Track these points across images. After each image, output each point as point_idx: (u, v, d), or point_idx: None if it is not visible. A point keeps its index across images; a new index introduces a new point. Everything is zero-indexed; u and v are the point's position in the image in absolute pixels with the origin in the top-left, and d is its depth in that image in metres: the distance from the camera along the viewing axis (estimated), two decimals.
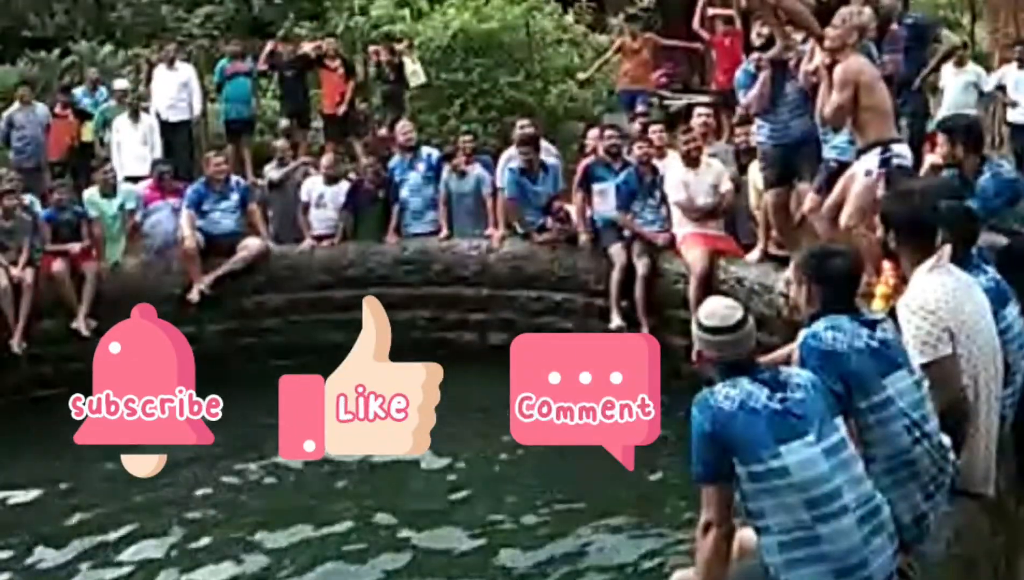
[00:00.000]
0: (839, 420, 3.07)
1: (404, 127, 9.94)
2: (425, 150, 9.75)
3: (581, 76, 13.00)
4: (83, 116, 11.33)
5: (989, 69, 11.23)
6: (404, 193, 9.44)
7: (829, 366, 3.21)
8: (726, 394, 2.98)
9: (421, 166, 9.48)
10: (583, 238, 8.56)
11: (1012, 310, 4.25)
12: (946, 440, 3.43)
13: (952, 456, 3.46)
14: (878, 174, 5.50)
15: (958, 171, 5.21)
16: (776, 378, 3.05)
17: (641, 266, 8.00)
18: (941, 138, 5.65)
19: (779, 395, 2.99)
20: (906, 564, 3.20)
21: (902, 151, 5.65)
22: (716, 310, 3.11)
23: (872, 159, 5.57)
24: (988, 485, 3.79)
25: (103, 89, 11.97)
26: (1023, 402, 4.26)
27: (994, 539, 3.91)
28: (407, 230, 9.41)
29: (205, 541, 6.06)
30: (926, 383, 3.43)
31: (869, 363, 3.25)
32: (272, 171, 10.07)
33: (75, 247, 8.77)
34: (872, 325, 3.35)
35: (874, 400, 3.25)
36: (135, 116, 10.72)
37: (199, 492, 6.72)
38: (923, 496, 3.34)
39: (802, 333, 3.40)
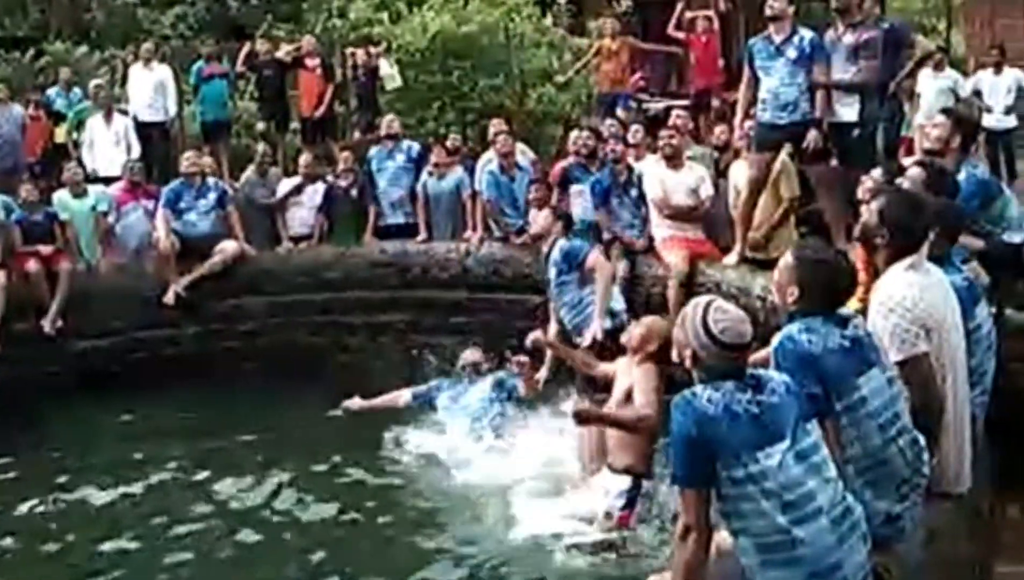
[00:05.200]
0: (812, 424, 3.06)
1: (389, 118, 10.01)
2: (406, 142, 9.78)
3: (560, 79, 13.02)
4: (57, 117, 11.22)
5: (965, 74, 11.32)
6: (382, 183, 9.47)
7: (806, 369, 3.20)
8: (709, 397, 2.96)
9: (400, 157, 9.52)
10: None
11: (982, 310, 4.28)
12: (921, 439, 3.43)
13: (927, 456, 3.47)
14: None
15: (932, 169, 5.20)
16: (757, 380, 3.03)
17: (620, 269, 7.99)
18: (943, 120, 5.64)
19: (758, 398, 2.98)
20: (883, 567, 3.20)
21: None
22: (733, 325, 3.00)
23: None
24: (959, 485, 3.80)
25: (77, 90, 11.86)
26: (995, 402, 4.29)
27: (970, 541, 3.93)
28: (383, 221, 9.43)
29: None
30: (899, 381, 3.43)
31: (844, 363, 3.26)
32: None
33: (45, 249, 8.67)
34: (844, 323, 3.35)
35: (848, 401, 3.26)
36: (108, 116, 10.61)
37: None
38: (897, 497, 3.35)
39: (776, 337, 3.39)
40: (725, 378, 2.99)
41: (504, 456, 6.60)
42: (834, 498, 2.98)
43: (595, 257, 7.04)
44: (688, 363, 3.07)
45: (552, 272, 7.21)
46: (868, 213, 3.92)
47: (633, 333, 5.55)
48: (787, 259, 3.46)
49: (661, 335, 5.33)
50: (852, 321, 3.39)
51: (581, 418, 5.20)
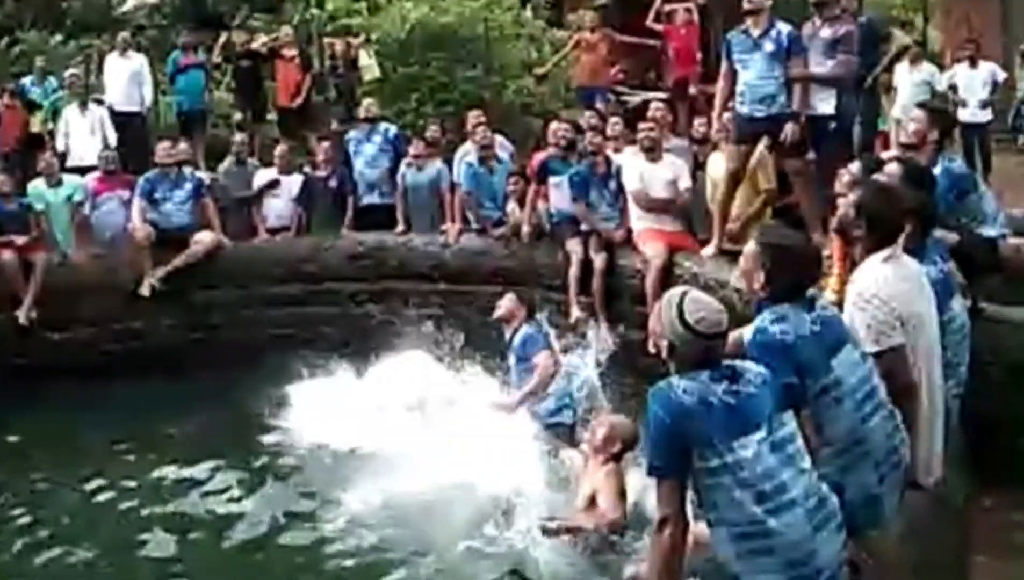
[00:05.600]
0: (788, 415, 3.08)
1: (367, 102, 10.05)
2: (383, 125, 9.81)
3: (539, 71, 13.02)
4: (31, 106, 11.11)
5: (941, 68, 11.39)
6: (359, 165, 9.51)
7: (781, 359, 3.21)
8: (685, 388, 2.97)
9: (377, 139, 9.56)
10: (525, 230, 8.56)
11: (957, 303, 4.33)
12: (897, 415, 3.47)
13: (904, 435, 3.50)
14: None
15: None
16: (733, 370, 3.04)
17: (598, 261, 8.00)
18: (920, 114, 5.67)
19: (734, 388, 2.99)
20: (860, 558, 3.22)
21: None
22: (708, 315, 3.01)
23: None
24: (929, 475, 3.83)
25: (52, 79, 11.74)
26: (972, 395, 4.33)
27: (946, 533, 3.96)
28: (360, 201, 9.49)
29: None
30: (861, 327, 3.46)
31: (817, 347, 3.28)
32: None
33: (20, 239, 8.60)
34: (811, 305, 3.36)
35: (825, 381, 3.28)
36: (84, 106, 10.53)
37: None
38: (876, 478, 3.37)
39: (748, 330, 3.40)
40: (701, 368, 3.00)
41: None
42: (808, 489, 2.99)
43: (542, 358, 6.91)
44: (665, 354, 3.07)
45: (512, 359, 7.13)
46: (845, 206, 3.94)
47: (596, 432, 5.44)
48: (751, 245, 3.47)
49: (624, 437, 5.31)
50: (818, 302, 3.41)
51: (549, 532, 5.12)
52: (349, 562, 5.57)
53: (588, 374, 7.02)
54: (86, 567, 5.70)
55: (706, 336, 2.99)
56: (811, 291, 3.43)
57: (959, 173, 5.57)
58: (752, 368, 3.10)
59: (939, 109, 5.84)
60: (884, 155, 6.26)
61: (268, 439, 7.20)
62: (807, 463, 3.04)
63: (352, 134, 9.79)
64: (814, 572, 2.95)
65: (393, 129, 9.82)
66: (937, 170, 5.23)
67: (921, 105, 6.06)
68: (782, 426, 3.02)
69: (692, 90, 11.75)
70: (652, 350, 3.16)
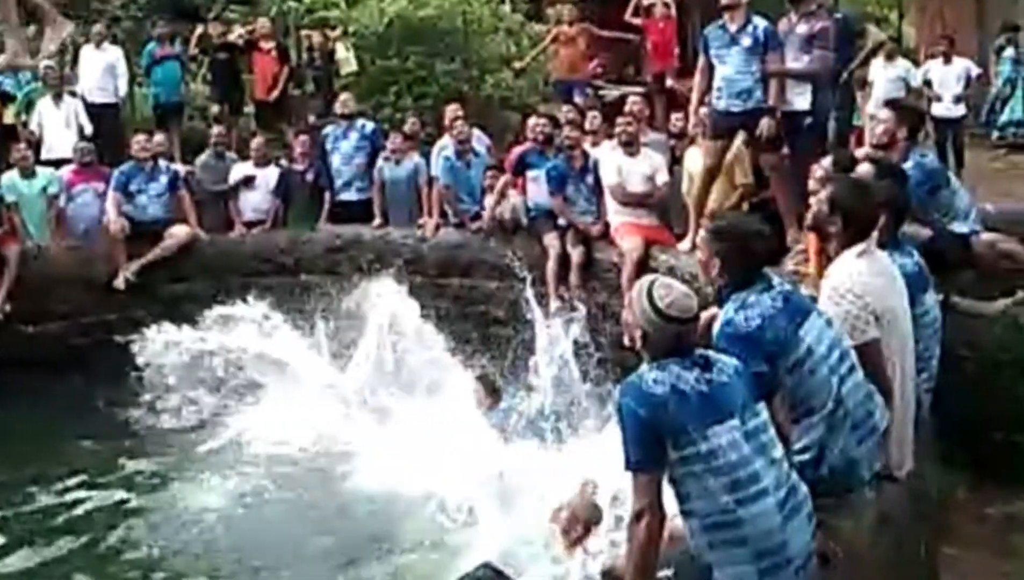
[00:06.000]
0: (761, 405, 3.10)
1: (344, 97, 9.97)
2: (360, 121, 9.78)
3: (517, 65, 13.00)
4: (4, 98, 10.99)
5: (916, 64, 11.46)
6: (336, 161, 9.47)
7: (751, 348, 3.25)
8: (655, 378, 2.98)
9: (354, 135, 9.51)
10: (487, 216, 8.58)
11: (930, 297, 4.37)
12: (871, 386, 3.55)
13: (879, 399, 3.55)
14: None
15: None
16: (706, 359, 3.06)
17: (576, 254, 8.01)
18: (887, 114, 5.71)
19: (707, 377, 3.00)
20: (830, 549, 3.24)
21: None
22: (678, 299, 3.03)
23: None
24: (901, 468, 3.86)
25: (26, 70, 11.62)
26: (946, 390, 4.37)
27: (917, 526, 4.00)
28: (338, 197, 9.44)
29: None
30: (836, 322, 3.50)
31: (783, 321, 3.32)
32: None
33: None
34: (770, 284, 3.41)
35: (796, 356, 3.32)
36: (58, 98, 10.44)
37: None
38: (855, 440, 3.44)
39: (718, 321, 3.43)
40: (673, 355, 3.01)
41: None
42: (779, 479, 3.01)
43: None
44: (639, 344, 3.09)
45: None
46: (818, 202, 3.97)
47: (559, 517, 5.38)
48: (703, 234, 3.52)
49: (586, 519, 5.27)
50: (772, 279, 3.45)
51: None
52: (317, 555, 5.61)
53: (567, 369, 7.05)
54: (59, 562, 5.68)
55: (678, 320, 3.01)
56: (766, 273, 3.48)
57: (931, 168, 5.61)
58: (724, 358, 3.12)
59: (906, 107, 5.88)
60: (858, 153, 6.30)
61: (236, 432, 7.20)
62: (779, 453, 3.07)
63: (329, 130, 9.75)
64: (784, 562, 2.97)
65: (370, 125, 9.80)
66: (909, 165, 5.27)
67: (889, 103, 6.10)
68: (755, 415, 3.04)
69: (669, 83, 11.78)
70: (628, 343, 3.18)
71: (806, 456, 3.41)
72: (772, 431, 3.08)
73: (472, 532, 5.57)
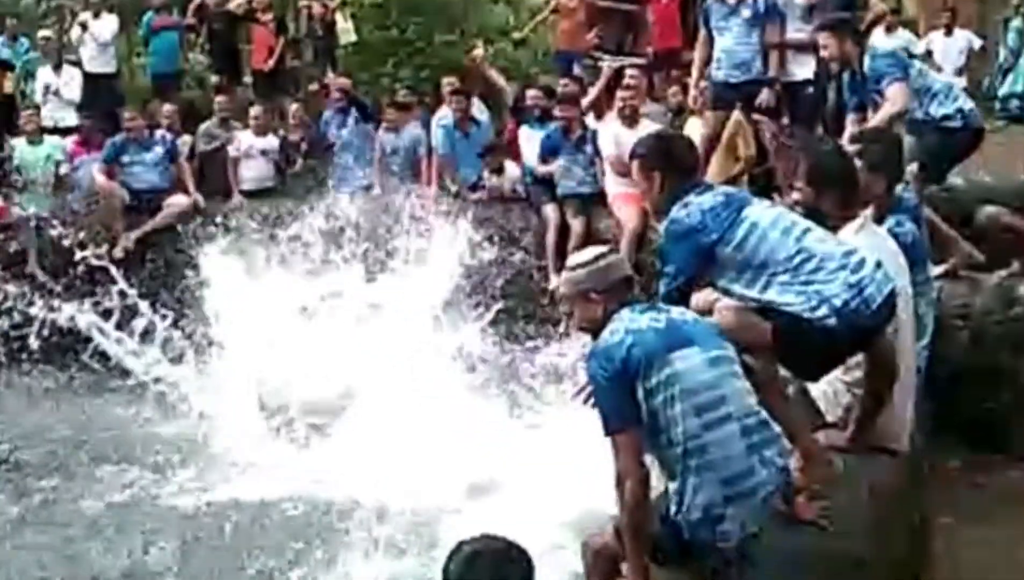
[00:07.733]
0: (726, 341, 3.14)
1: (340, 82, 9.94)
2: (353, 110, 9.71)
3: (517, 36, 12.94)
4: (3, 67, 10.96)
5: (917, 35, 11.42)
6: (337, 150, 9.45)
7: (697, 238, 3.36)
8: (610, 331, 3.05)
9: (350, 121, 9.51)
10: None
11: (928, 265, 4.39)
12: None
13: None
14: None
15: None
16: (656, 308, 3.14)
17: (577, 224, 8.01)
18: (825, 37, 5.68)
19: (661, 316, 3.07)
20: (819, 515, 3.27)
21: None
22: (578, 255, 3.22)
23: None
24: (901, 440, 3.89)
25: (24, 40, 11.59)
26: (940, 360, 4.40)
27: (909, 495, 4.03)
28: (339, 188, 9.27)
29: None
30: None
31: (723, 212, 3.39)
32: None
33: None
34: (709, 187, 3.55)
35: (742, 233, 3.36)
36: (58, 68, 10.41)
37: None
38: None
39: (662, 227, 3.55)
40: (618, 308, 3.08)
41: None
42: (746, 408, 3.04)
43: None
44: (597, 313, 3.12)
45: None
46: (800, 193, 4.01)
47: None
48: (635, 163, 3.65)
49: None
50: (713, 188, 3.55)
51: None
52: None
53: None
54: (27, 552, 5.65)
55: (581, 264, 3.15)
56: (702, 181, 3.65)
57: (890, 50, 5.61)
58: (680, 310, 3.19)
59: (835, 22, 5.84)
60: (849, 131, 6.27)
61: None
62: (745, 385, 3.09)
63: (328, 115, 9.77)
64: (749, 491, 2.98)
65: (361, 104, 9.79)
66: (867, 59, 5.40)
67: (823, 25, 5.94)
68: (720, 347, 3.09)
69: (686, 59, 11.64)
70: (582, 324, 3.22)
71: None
72: (737, 366, 3.10)
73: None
